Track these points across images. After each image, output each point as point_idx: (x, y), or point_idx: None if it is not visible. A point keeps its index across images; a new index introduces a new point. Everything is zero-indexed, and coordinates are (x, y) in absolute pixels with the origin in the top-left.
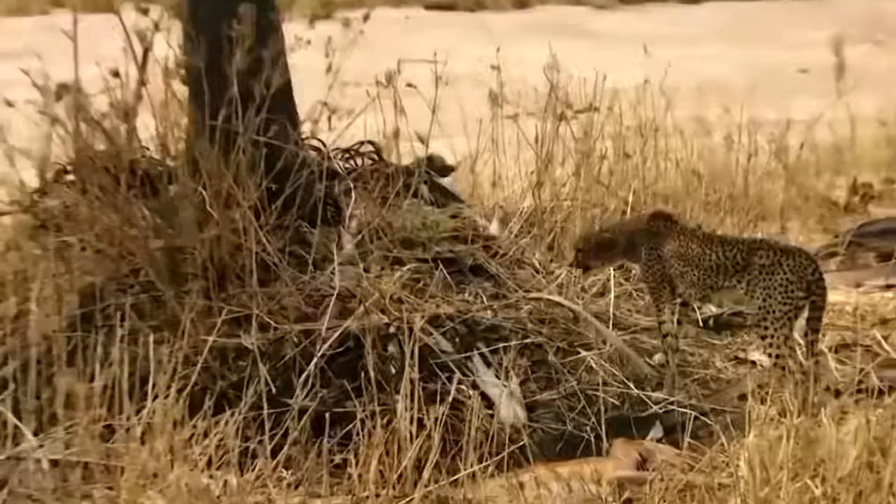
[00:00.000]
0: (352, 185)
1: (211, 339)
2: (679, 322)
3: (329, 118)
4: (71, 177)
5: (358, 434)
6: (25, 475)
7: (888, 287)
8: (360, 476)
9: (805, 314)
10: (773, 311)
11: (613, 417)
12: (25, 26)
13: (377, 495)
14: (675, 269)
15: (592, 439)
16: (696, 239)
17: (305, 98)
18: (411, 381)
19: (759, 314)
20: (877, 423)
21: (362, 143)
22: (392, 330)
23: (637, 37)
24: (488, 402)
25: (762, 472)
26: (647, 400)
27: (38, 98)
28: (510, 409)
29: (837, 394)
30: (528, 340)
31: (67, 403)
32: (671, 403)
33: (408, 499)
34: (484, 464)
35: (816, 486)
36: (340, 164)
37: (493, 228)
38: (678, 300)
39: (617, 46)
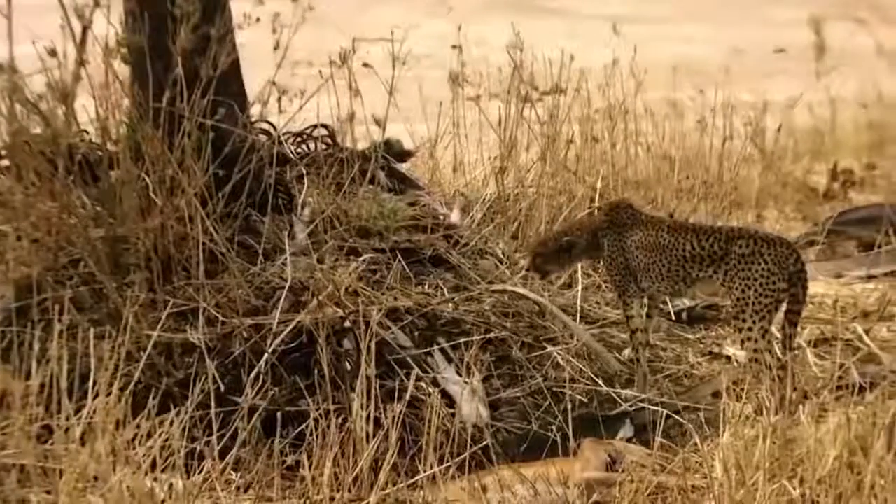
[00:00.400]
0: (304, 171)
1: (155, 333)
2: (649, 315)
3: (279, 100)
4: (5, 162)
5: (311, 434)
6: None
7: (870, 278)
8: (313, 478)
9: (783, 307)
10: (753, 304)
11: (581, 416)
12: None
13: (332, 499)
14: (642, 260)
15: (559, 439)
16: (667, 227)
17: (254, 78)
18: (368, 378)
19: (738, 306)
20: (857, 422)
21: (315, 126)
22: (347, 324)
23: (606, 15)
24: (449, 399)
25: (737, 474)
26: (616, 397)
27: None
28: (472, 408)
29: (806, 396)
30: (491, 335)
31: (2, 402)
32: (642, 401)
33: (364, 502)
34: (444, 465)
35: (794, 488)
36: (292, 148)
37: (454, 217)
38: (644, 295)
39: (585, 25)
